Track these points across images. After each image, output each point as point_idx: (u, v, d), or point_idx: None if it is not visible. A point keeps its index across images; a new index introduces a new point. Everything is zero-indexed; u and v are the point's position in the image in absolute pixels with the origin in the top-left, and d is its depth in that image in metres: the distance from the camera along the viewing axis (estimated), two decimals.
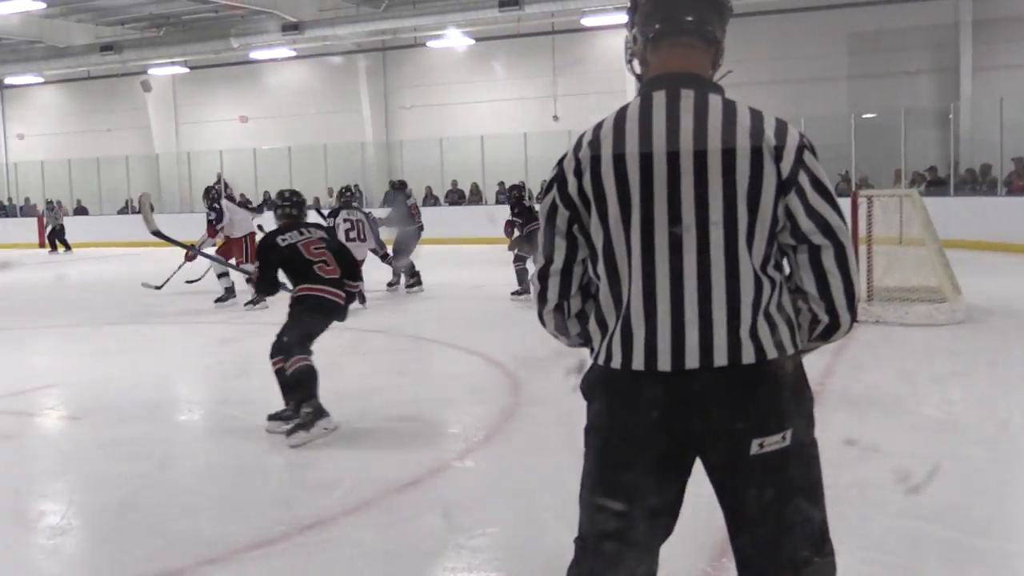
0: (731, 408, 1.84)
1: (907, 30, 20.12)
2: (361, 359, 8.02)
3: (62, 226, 23.18)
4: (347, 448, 5.12)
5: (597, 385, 1.94)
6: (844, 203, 8.18)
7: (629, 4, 2.01)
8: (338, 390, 6.62)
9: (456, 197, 23.58)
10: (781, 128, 1.87)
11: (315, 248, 5.52)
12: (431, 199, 23.30)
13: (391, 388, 6.72)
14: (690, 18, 1.91)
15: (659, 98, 1.89)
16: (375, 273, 12.77)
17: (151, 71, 26.33)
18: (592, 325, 1.96)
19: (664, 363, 1.83)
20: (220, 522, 4.00)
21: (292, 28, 21.21)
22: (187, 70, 26.44)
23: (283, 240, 5.55)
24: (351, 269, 5.62)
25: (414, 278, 12.02)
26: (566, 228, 1.95)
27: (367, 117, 25.85)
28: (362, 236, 11.07)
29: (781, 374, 1.86)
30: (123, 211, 26.44)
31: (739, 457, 1.84)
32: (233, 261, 10.96)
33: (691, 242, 1.83)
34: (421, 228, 12.56)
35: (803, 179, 1.85)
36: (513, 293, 10.87)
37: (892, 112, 18.90)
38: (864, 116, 19.67)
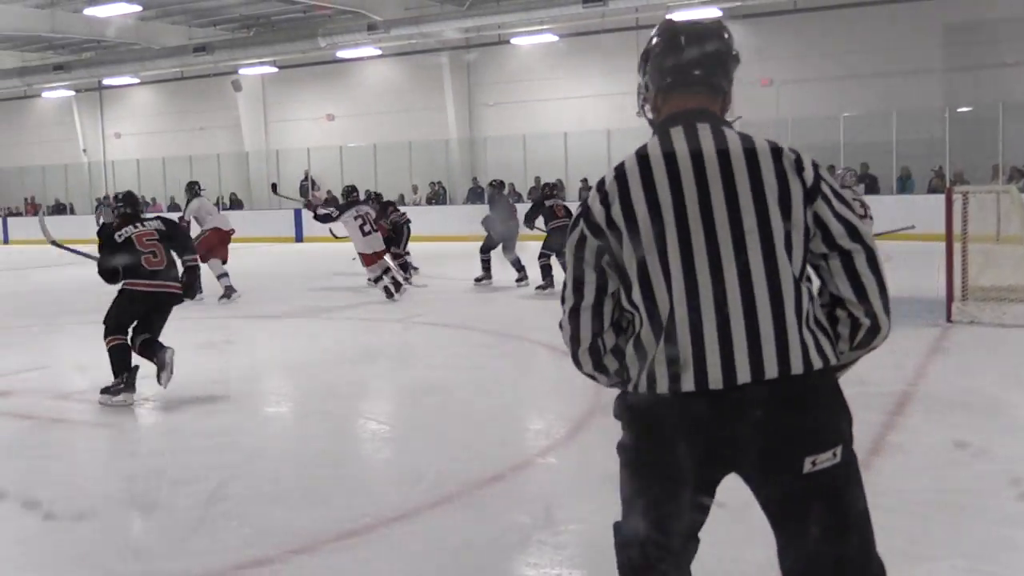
0: (783, 423, 1.83)
1: (1006, 21, 19.44)
2: (443, 353, 8.08)
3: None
4: (431, 442, 5.17)
5: (640, 411, 1.93)
6: (939, 200, 7.93)
7: (641, 54, 2.10)
8: (421, 384, 6.69)
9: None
10: (794, 149, 1.94)
11: (147, 240, 6.31)
12: (514, 196, 23.33)
13: (473, 383, 6.75)
14: (698, 72, 2.00)
15: (677, 131, 1.96)
16: (460, 268, 12.86)
17: (241, 71, 26.95)
18: (630, 353, 1.95)
19: (715, 381, 1.82)
20: (308, 512, 4.07)
21: (378, 27, 21.48)
22: (276, 69, 26.98)
23: (119, 236, 6.30)
24: (184, 245, 6.51)
25: (521, 271, 12.36)
26: (595, 260, 1.95)
27: (451, 114, 26.03)
28: (374, 228, 11.40)
29: (827, 387, 1.88)
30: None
31: (793, 475, 1.83)
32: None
33: (729, 254, 1.85)
34: (518, 224, 12.84)
35: (825, 188, 1.91)
36: (537, 288, 11.44)
37: (989, 106, 18.30)
38: (960, 110, 19.09)
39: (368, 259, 11.35)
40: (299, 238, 23.86)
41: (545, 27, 22.36)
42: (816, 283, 1.94)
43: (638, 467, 1.95)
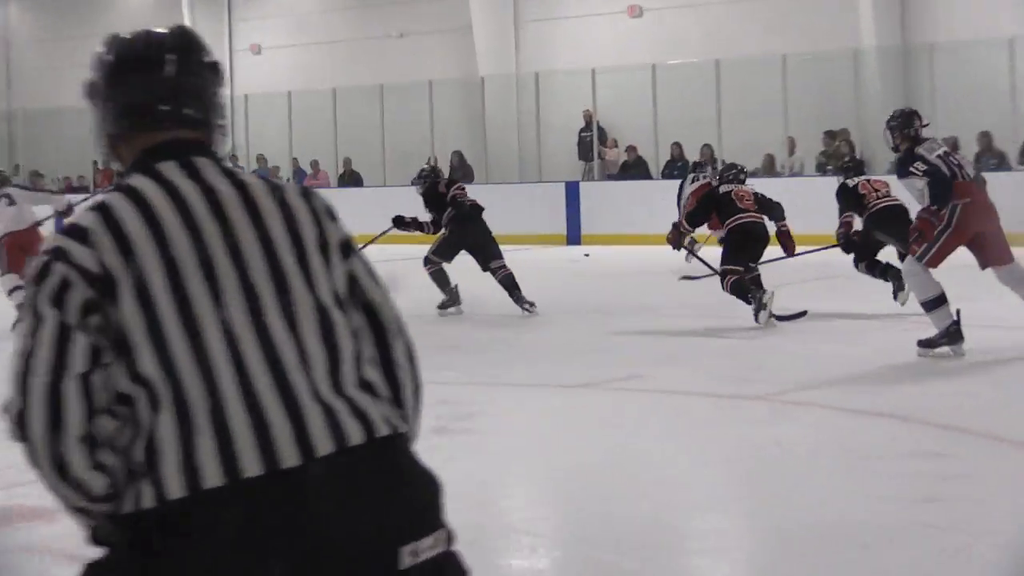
0: (377, 500, 1.80)
1: None
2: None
3: None
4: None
5: (177, 523, 1.72)
6: None
7: (85, 90, 1.99)
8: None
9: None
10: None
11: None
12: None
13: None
14: (166, 108, 1.93)
15: (168, 166, 1.88)
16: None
17: None
18: (138, 456, 1.74)
19: (291, 456, 1.73)
20: None
21: None
22: None
23: None
24: None
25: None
26: (80, 316, 1.76)
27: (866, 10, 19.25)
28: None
29: (413, 455, 1.90)
30: None
31: (390, 573, 1.79)
32: None
33: (273, 305, 1.82)
34: None
35: (354, 244, 2.02)
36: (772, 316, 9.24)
37: None
38: None
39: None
40: (574, 240, 19.11)
41: None
42: None
43: None
